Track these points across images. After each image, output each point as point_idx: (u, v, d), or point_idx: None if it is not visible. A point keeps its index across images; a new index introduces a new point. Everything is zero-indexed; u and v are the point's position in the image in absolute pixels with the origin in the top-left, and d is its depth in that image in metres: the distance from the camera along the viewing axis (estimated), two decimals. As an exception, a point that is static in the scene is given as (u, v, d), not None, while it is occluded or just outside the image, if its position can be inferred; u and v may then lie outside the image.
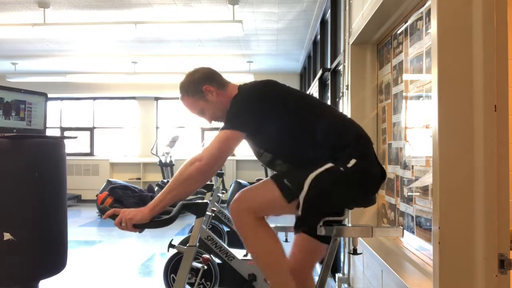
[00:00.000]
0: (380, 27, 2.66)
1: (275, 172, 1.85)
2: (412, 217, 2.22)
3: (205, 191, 3.85)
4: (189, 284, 2.94)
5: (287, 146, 1.77)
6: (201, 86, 1.84)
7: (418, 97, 2.16)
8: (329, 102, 4.12)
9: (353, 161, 1.64)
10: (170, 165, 8.45)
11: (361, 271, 2.83)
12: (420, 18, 2.12)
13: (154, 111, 10.08)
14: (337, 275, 3.36)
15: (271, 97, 1.75)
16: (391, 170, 2.62)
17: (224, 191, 4.63)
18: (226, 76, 1.97)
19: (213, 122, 1.94)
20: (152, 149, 8.47)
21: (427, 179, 1.99)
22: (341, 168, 1.63)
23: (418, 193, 2.13)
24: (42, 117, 2.42)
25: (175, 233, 5.79)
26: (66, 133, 10.11)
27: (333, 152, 1.69)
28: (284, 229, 2.02)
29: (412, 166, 2.23)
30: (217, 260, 3.11)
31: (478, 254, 1.43)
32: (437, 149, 1.47)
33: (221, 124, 1.77)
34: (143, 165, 9.65)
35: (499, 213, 1.41)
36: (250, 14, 5.45)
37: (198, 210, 1.75)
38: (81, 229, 6.53)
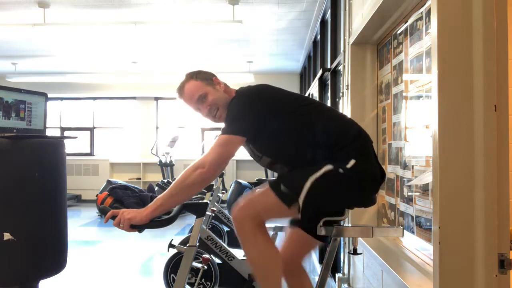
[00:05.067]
0: (380, 27, 2.66)
1: (275, 174, 1.86)
2: (412, 217, 2.22)
3: (205, 191, 3.85)
4: (189, 284, 2.94)
5: (286, 149, 1.78)
6: (211, 76, 1.93)
7: (418, 97, 2.16)
8: (329, 102, 4.12)
9: (352, 162, 1.64)
10: (170, 165, 8.45)
11: (361, 271, 2.83)
12: (420, 18, 2.12)
13: (154, 111, 10.08)
14: (337, 275, 3.35)
15: (268, 100, 1.78)
16: (391, 170, 2.62)
17: (224, 191, 4.63)
18: (226, 76, 2.01)
19: (210, 122, 1.96)
20: (152, 149, 8.47)
21: (427, 177, 1.99)
22: (341, 170, 1.63)
23: (418, 193, 2.13)
24: (42, 117, 2.42)
25: (175, 233, 5.79)
26: (66, 133, 10.11)
27: (333, 152, 1.69)
28: (284, 228, 2.02)
29: (412, 166, 2.22)
30: (217, 260, 3.11)
31: (478, 254, 1.43)
32: (437, 149, 1.47)
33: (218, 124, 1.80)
34: (143, 165, 9.65)
35: (499, 213, 1.41)
36: (250, 14, 5.45)
37: (198, 210, 1.76)
38: (81, 229, 6.53)
